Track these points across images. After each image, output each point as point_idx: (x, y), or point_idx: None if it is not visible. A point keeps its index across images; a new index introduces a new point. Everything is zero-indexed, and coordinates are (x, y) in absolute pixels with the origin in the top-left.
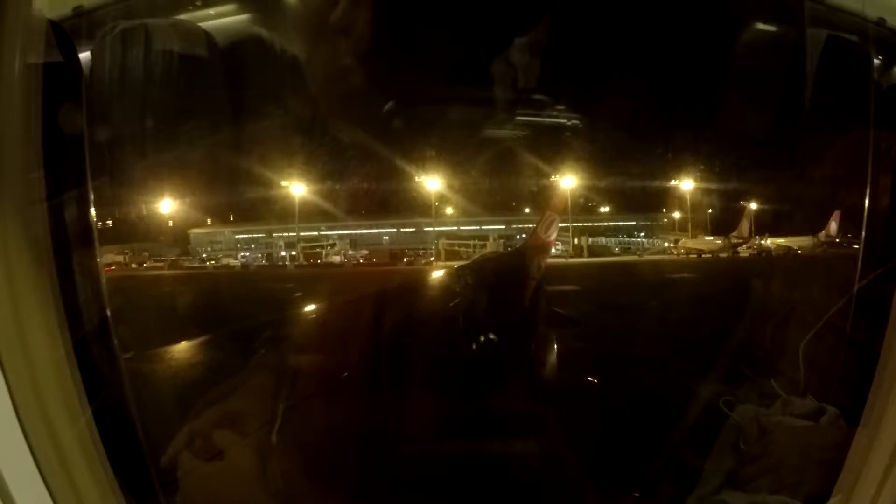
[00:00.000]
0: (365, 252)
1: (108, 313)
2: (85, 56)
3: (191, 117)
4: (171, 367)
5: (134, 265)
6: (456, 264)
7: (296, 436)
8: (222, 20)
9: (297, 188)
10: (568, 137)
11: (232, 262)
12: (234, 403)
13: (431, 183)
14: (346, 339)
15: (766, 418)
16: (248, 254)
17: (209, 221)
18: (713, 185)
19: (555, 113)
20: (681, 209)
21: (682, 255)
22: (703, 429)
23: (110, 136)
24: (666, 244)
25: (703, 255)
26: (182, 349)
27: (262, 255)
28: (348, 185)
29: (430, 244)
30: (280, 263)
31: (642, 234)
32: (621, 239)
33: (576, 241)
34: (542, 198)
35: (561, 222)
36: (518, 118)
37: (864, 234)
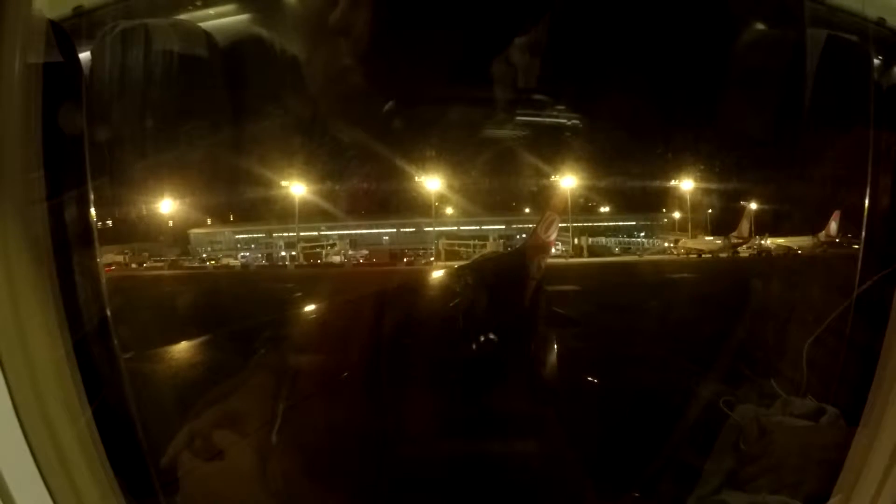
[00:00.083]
0: (365, 252)
1: (108, 313)
2: (85, 56)
3: (191, 117)
4: (171, 367)
5: (134, 265)
6: (456, 264)
7: (296, 436)
8: (222, 20)
9: (297, 188)
10: (568, 137)
11: (232, 262)
12: (234, 403)
13: (431, 183)
14: (346, 339)
15: (766, 418)
16: (248, 254)
17: (209, 221)
18: (713, 185)
19: (555, 113)
20: (681, 209)
21: (681, 255)
22: (703, 429)
23: (110, 136)
24: (666, 244)
25: (703, 255)
26: (182, 349)
27: (262, 255)
28: (348, 185)
29: (430, 244)
30: (280, 263)
31: (642, 234)
32: (621, 239)
33: (576, 241)
34: (542, 198)
35: (561, 222)
36: (518, 118)
37: (864, 234)
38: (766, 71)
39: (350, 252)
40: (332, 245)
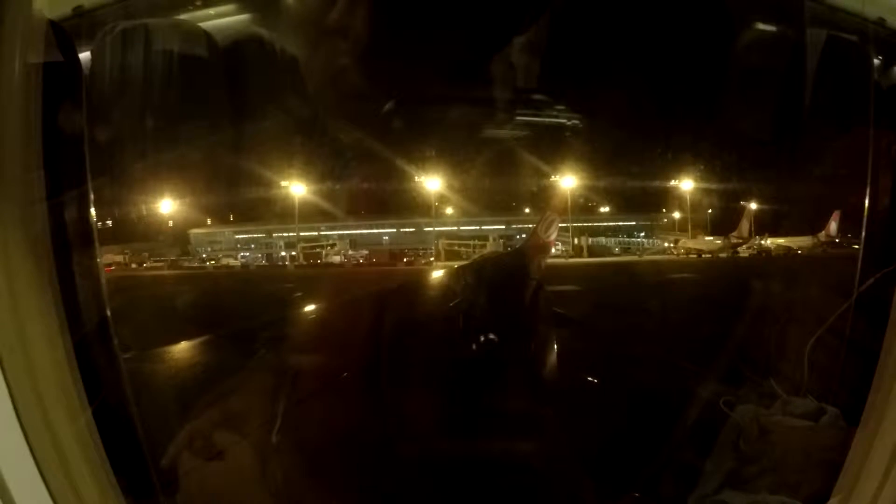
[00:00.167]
0: (365, 252)
1: (108, 313)
2: (85, 56)
3: (191, 117)
4: (171, 367)
5: (134, 265)
6: (456, 264)
7: (296, 436)
8: (222, 20)
9: (297, 188)
10: (568, 137)
11: (232, 262)
12: (234, 403)
13: (431, 183)
14: (346, 340)
15: (766, 418)
16: (248, 254)
17: (209, 221)
18: (713, 185)
19: (555, 113)
20: (681, 209)
21: (681, 256)
22: (703, 429)
23: (110, 136)
24: (666, 244)
25: (703, 255)
26: (182, 349)
27: (262, 255)
28: (348, 185)
29: (429, 244)
30: (280, 263)
31: (642, 234)
32: (621, 239)
33: (576, 241)
34: (542, 198)
35: (561, 222)
36: (518, 118)
37: (864, 234)
38: (766, 71)
39: (350, 252)
40: (332, 245)
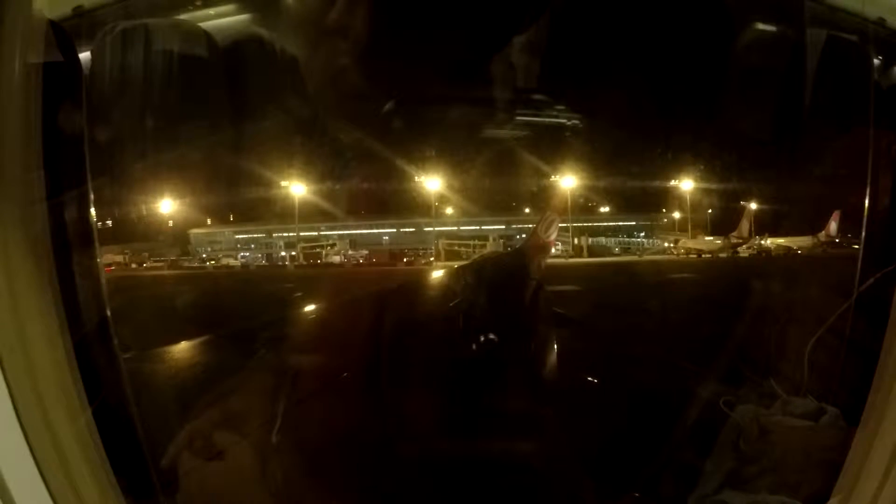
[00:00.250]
0: (365, 252)
1: (108, 313)
2: (85, 56)
3: (191, 117)
4: (171, 367)
5: (134, 265)
6: (456, 264)
7: (296, 436)
8: (222, 20)
9: (297, 188)
10: (568, 137)
11: (232, 262)
12: (234, 403)
13: (431, 183)
14: (347, 340)
15: (766, 418)
16: (248, 254)
17: (209, 221)
18: (713, 185)
19: (555, 113)
20: (681, 209)
21: (681, 256)
22: (703, 429)
23: (110, 136)
24: (666, 244)
25: (703, 255)
26: (182, 349)
27: (262, 255)
28: (348, 185)
29: (429, 244)
30: (280, 263)
31: (642, 234)
32: (621, 239)
33: (576, 241)
34: (542, 198)
35: (561, 222)
36: (518, 118)
37: (864, 234)
38: (766, 71)
39: (350, 252)
40: (332, 245)
